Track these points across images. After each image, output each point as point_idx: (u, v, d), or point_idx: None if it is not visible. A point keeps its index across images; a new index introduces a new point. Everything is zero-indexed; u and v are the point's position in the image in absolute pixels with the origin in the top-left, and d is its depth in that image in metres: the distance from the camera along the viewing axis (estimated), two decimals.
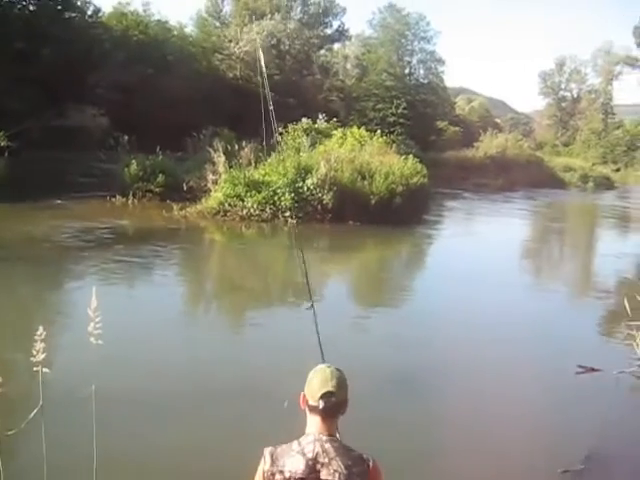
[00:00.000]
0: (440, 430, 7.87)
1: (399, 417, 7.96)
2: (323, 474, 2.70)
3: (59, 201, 23.07)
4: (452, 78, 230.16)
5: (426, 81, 61.64)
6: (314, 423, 2.82)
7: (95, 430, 3.60)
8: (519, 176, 50.41)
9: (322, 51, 61.20)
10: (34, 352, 3.31)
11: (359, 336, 11.29)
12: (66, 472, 5.10)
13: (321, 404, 2.76)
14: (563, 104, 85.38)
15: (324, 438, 2.77)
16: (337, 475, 2.70)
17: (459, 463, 7.04)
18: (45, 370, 3.31)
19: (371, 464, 2.78)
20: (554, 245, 27.51)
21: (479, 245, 23.39)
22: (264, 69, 6.08)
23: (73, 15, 39.04)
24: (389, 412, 8.03)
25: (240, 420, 7.40)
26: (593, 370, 9.86)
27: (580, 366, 9.95)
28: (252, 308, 13.41)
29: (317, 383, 2.80)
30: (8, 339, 10.07)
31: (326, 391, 2.76)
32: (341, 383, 2.82)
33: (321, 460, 2.72)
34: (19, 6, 36.38)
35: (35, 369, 3.32)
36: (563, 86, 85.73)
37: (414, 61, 61.27)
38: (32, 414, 3.39)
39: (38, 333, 3.35)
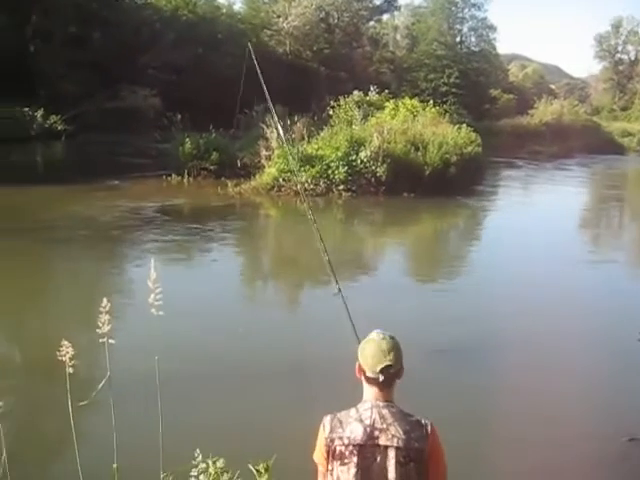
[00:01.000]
0: (502, 398, 7.84)
1: (459, 385, 7.96)
2: (382, 440, 2.72)
3: (116, 182, 23.40)
4: (504, 45, 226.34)
5: (478, 49, 60.62)
6: (371, 391, 2.82)
7: (160, 399, 3.70)
8: (575, 142, 49.56)
9: (371, 23, 60.70)
10: (99, 324, 3.40)
11: (412, 309, 11.21)
12: (133, 442, 5.23)
13: (380, 377, 2.76)
14: (620, 67, 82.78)
15: (381, 404, 2.78)
16: (395, 440, 2.71)
17: (521, 429, 7.02)
18: (111, 341, 3.40)
19: (429, 428, 2.78)
20: (612, 214, 26.89)
21: (535, 215, 23.02)
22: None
23: None
24: (451, 381, 8.06)
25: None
26: None
27: None
28: (310, 282, 13.45)
29: (373, 356, 2.79)
30: (73, 313, 10.40)
31: (385, 365, 2.75)
32: (397, 353, 2.80)
33: (379, 426, 2.73)
34: None
35: (101, 340, 3.41)
36: (620, 48, 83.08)
37: (465, 29, 60.31)
38: (100, 385, 3.50)
39: (102, 305, 3.43)
